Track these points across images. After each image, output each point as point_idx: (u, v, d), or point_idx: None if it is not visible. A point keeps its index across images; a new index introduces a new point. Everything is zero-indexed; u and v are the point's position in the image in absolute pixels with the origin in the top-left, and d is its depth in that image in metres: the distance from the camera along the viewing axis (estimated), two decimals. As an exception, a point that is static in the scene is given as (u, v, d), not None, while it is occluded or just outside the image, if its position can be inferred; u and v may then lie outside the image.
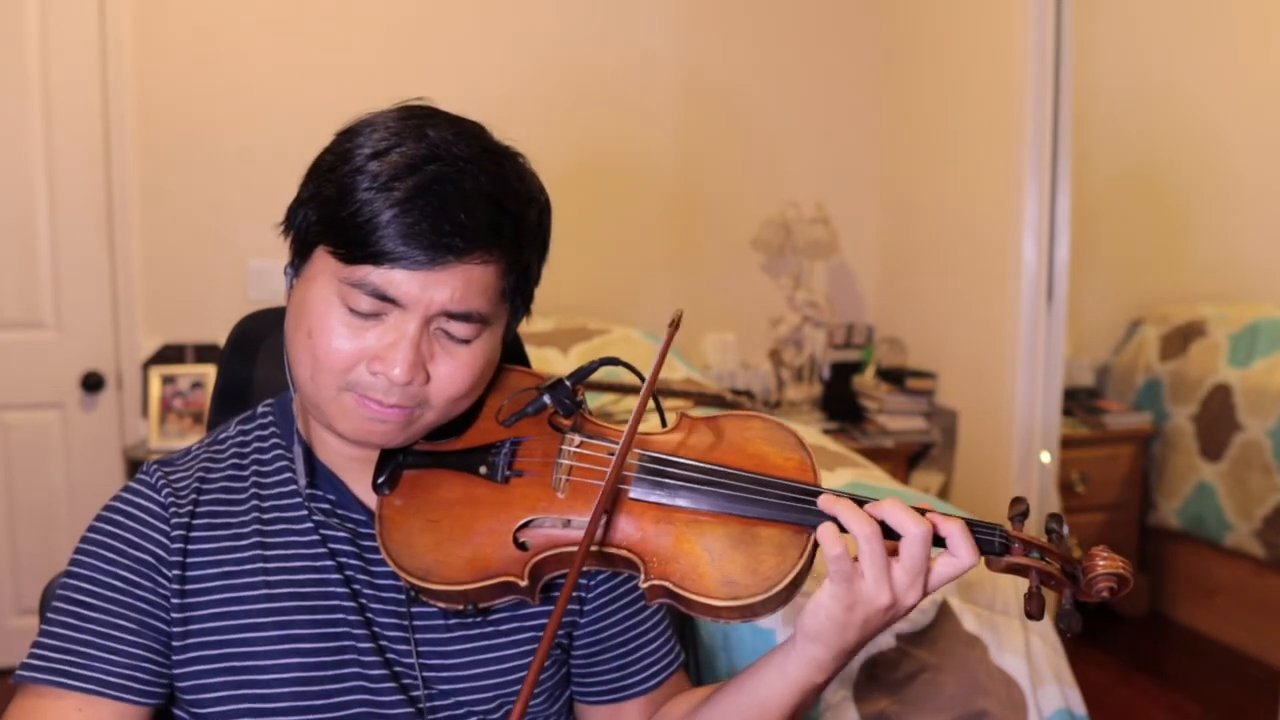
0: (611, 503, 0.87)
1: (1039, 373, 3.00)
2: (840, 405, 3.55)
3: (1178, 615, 3.55)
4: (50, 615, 0.88)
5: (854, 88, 3.71)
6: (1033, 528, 0.89)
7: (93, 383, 3.02)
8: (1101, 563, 0.85)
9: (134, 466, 2.87)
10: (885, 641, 1.68)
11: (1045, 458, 3.03)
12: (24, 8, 2.88)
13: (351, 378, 0.85)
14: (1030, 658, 1.74)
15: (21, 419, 2.99)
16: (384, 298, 0.82)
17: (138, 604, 0.88)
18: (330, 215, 0.83)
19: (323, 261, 0.85)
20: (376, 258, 0.81)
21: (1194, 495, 3.45)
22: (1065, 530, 0.89)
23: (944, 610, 1.73)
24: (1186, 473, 3.49)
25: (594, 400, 2.60)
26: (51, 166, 2.95)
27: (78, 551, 0.90)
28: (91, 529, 0.91)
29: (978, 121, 3.19)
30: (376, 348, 0.83)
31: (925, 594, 0.84)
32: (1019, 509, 0.89)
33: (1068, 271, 2.99)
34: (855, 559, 0.82)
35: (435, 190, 0.81)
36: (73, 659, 0.85)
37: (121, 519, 0.91)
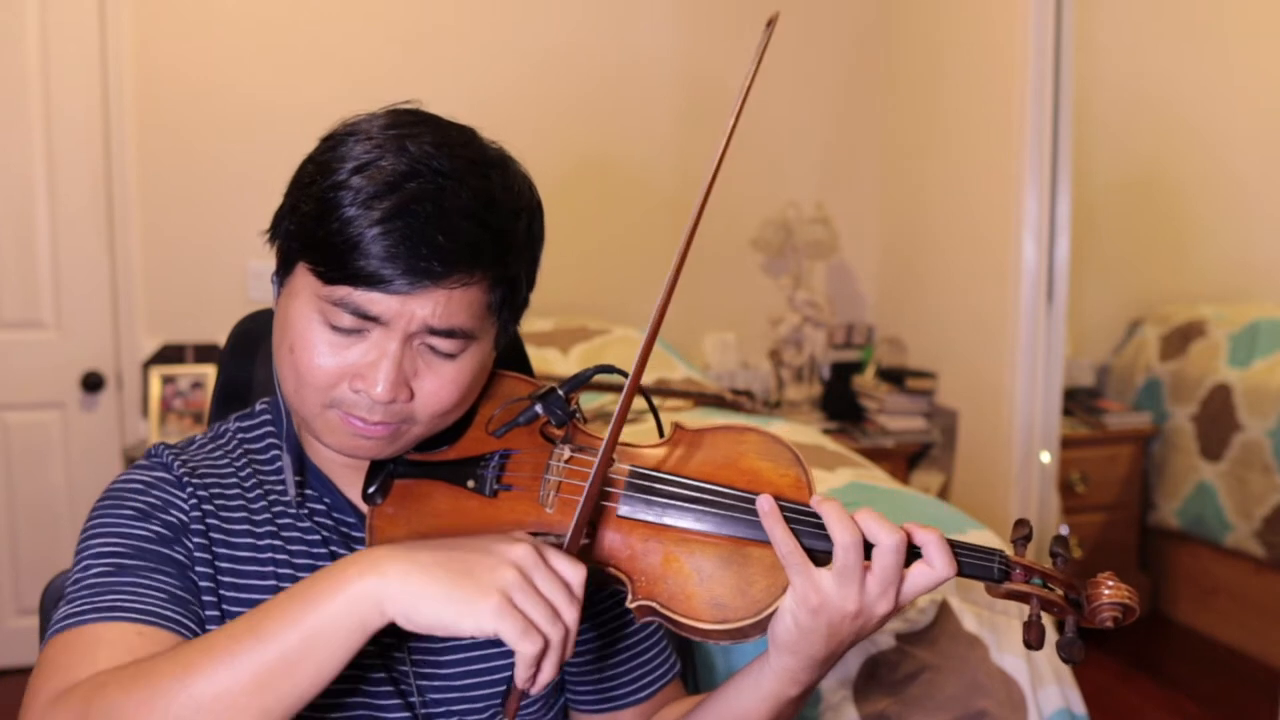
0: (599, 519, 0.85)
1: (1039, 373, 3.00)
2: (840, 405, 3.55)
3: (1178, 615, 3.55)
4: (78, 575, 0.83)
5: (854, 88, 3.71)
6: (1036, 550, 0.87)
7: (93, 383, 3.02)
8: (1107, 591, 0.82)
9: (134, 466, 2.87)
10: (885, 641, 1.68)
11: (1045, 458, 3.03)
12: (24, 8, 2.89)
13: (335, 395, 0.84)
14: (1030, 658, 1.74)
15: (21, 419, 2.99)
16: (365, 316, 0.81)
17: (175, 555, 0.85)
18: (310, 233, 0.81)
19: (303, 278, 0.83)
20: (354, 279, 0.79)
21: (1194, 495, 3.45)
22: (1069, 550, 0.87)
23: (944, 610, 1.73)
24: (1186, 473, 3.49)
25: (593, 401, 2.60)
26: (52, 167, 2.95)
27: (96, 517, 0.87)
28: (109, 496, 0.88)
29: (978, 122, 3.19)
30: (359, 365, 0.82)
31: (898, 605, 0.82)
32: (1022, 532, 0.86)
33: (1068, 271, 3.00)
34: (817, 564, 0.81)
35: (414, 210, 0.79)
36: (121, 596, 0.80)
37: (141, 485, 0.88)
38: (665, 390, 2.82)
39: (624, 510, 0.85)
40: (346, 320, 0.81)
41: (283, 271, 0.87)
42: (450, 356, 0.85)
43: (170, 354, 3.05)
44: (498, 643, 0.93)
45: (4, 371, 2.97)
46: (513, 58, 3.33)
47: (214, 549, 0.88)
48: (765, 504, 0.81)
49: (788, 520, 0.82)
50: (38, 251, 2.97)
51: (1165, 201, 3.88)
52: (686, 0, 3.50)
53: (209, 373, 2.99)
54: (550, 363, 2.89)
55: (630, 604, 0.83)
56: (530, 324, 2.96)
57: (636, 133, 3.48)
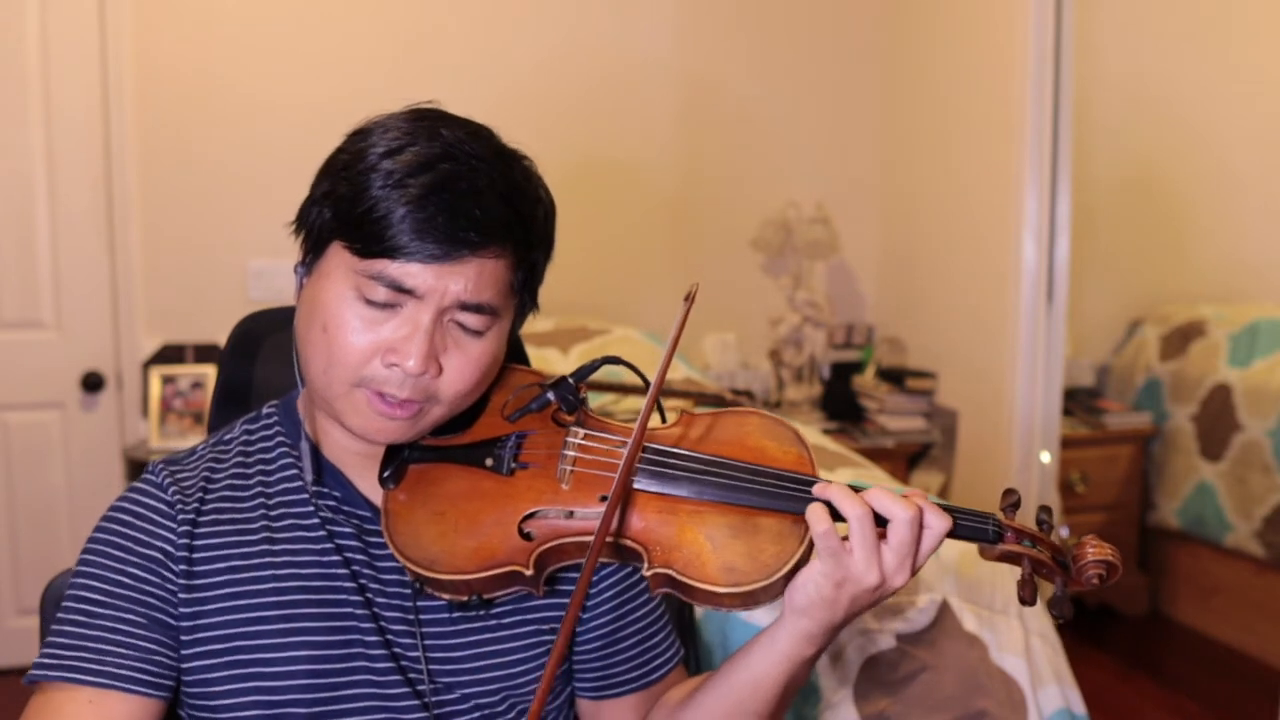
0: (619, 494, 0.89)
1: (1039, 373, 3.00)
2: (840, 405, 3.55)
3: (1178, 615, 3.55)
4: (60, 615, 0.89)
5: (854, 88, 3.71)
6: (1023, 519, 0.91)
7: (93, 383, 3.02)
8: (1091, 550, 0.87)
9: (134, 466, 2.88)
10: (885, 641, 1.68)
11: (1045, 458, 3.03)
12: (24, 8, 2.88)
13: (365, 372, 0.86)
14: (1030, 658, 1.74)
15: (21, 419, 2.99)
16: (400, 288, 0.84)
17: (146, 599, 0.89)
18: (346, 212, 0.85)
19: (338, 257, 0.86)
20: (393, 251, 0.83)
21: (1194, 495, 3.45)
22: (1055, 522, 0.92)
23: (944, 610, 1.73)
24: (1186, 473, 3.49)
25: (595, 400, 2.60)
26: (52, 167, 2.95)
27: (85, 551, 0.91)
28: (99, 528, 0.92)
29: (977, 121, 3.19)
30: (391, 340, 0.85)
31: (913, 573, 0.86)
32: (1010, 500, 0.91)
33: (1068, 271, 2.99)
34: (844, 539, 0.84)
35: (450, 186, 0.83)
36: (83, 654, 0.86)
37: (129, 517, 0.92)
38: (666, 390, 2.83)
39: (640, 484, 0.89)
40: (381, 294, 0.84)
41: (311, 257, 0.89)
42: (478, 335, 0.88)
43: (170, 354, 3.05)
44: (509, 624, 0.96)
45: (4, 371, 2.97)
46: (513, 58, 3.33)
47: (199, 567, 0.90)
48: (820, 488, 0.86)
49: (795, 490, 0.87)
50: (38, 251, 2.97)
51: (1165, 201, 3.88)
52: (686, 1, 3.50)
53: (209, 373, 2.99)
54: (550, 362, 2.89)
55: (646, 572, 0.86)
56: (530, 324, 2.95)
57: (636, 133, 3.48)
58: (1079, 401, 3.59)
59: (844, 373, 3.60)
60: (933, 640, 1.70)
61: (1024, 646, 1.74)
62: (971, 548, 1.86)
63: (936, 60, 3.43)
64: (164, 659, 0.88)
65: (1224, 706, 2.96)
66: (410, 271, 0.83)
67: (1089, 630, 3.43)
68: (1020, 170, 2.97)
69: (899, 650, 1.68)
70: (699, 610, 1.65)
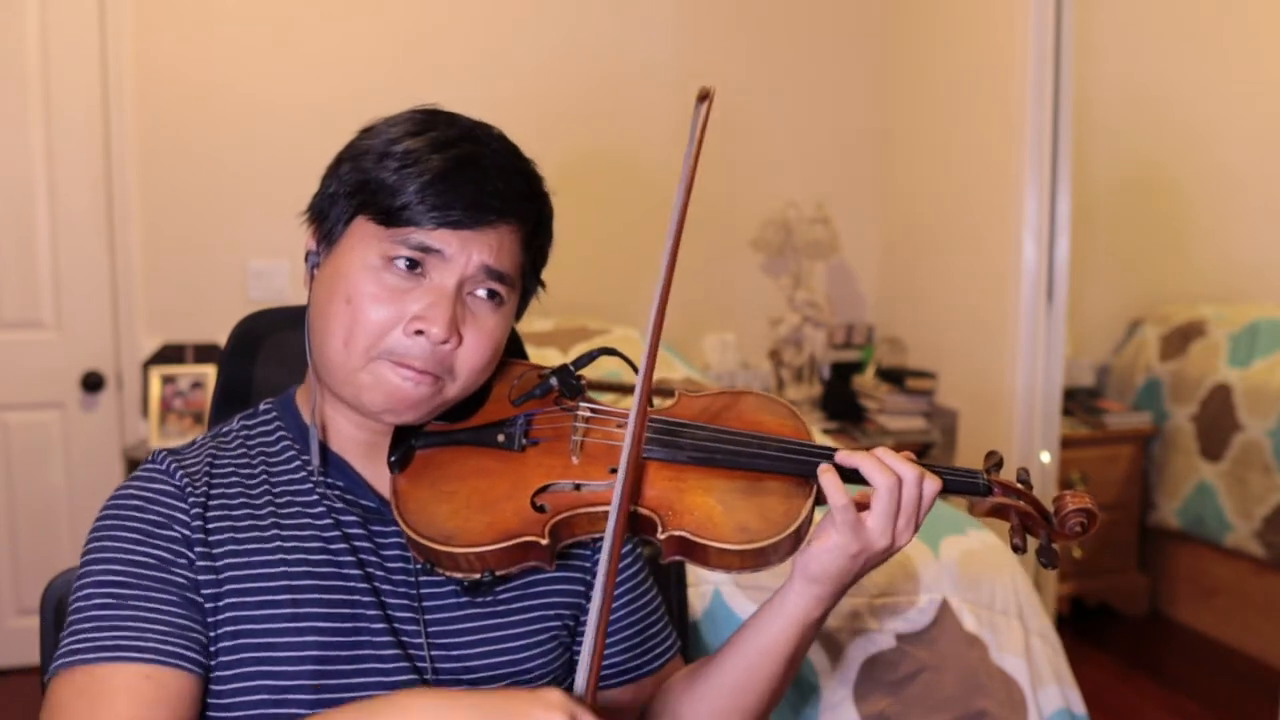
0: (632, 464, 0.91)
1: (1039, 373, 3.00)
2: (840, 405, 3.55)
3: (1178, 615, 3.55)
4: (79, 604, 0.85)
5: (854, 88, 3.71)
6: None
7: (93, 383, 3.02)
8: (1070, 501, 0.93)
9: (134, 466, 2.87)
10: (885, 641, 1.68)
11: (1045, 458, 3.03)
12: (24, 8, 2.89)
13: (387, 343, 0.88)
14: (1030, 658, 1.74)
15: (21, 419, 2.99)
16: (427, 249, 0.87)
17: (175, 579, 0.86)
18: (372, 187, 0.88)
19: (362, 229, 0.89)
20: (420, 218, 0.86)
21: (1194, 495, 3.45)
22: (1030, 476, 0.97)
23: (944, 610, 1.73)
24: (1186, 473, 3.49)
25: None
26: (52, 167, 2.95)
27: (97, 538, 0.88)
28: (109, 515, 0.90)
29: (977, 122, 3.19)
30: (415, 309, 0.87)
31: (916, 530, 0.90)
32: (993, 460, 0.96)
33: (1068, 271, 3.00)
34: (859, 509, 0.88)
35: (473, 161, 0.88)
36: (123, 634, 0.82)
37: (141, 501, 0.90)
38: (664, 390, 2.82)
39: (649, 454, 0.92)
40: (407, 253, 0.87)
41: (329, 240, 0.92)
42: (495, 307, 0.92)
43: (170, 354, 3.05)
44: (516, 609, 0.97)
45: (4, 371, 2.97)
46: (513, 58, 3.33)
47: (214, 550, 0.89)
48: (826, 471, 0.90)
49: (798, 454, 0.92)
50: (38, 251, 2.97)
51: (1165, 201, 3.88)
52: (686, 1, 3.50)
53: (209, 373, 2.99)
54: (550, 362, 2.89)
55: (660, 536, 0.88)
56: (530, 324, 2.96)
57: (637, 133, 3.48)
58: (1079, 401, 3.59)
59: (844, 373, 3.60)
60: (933, 640, 1.70)
61: (1024, 646, 1.74)
62: (974, 549, 1.86)
63: (936, 60, 3.43)
64: (201, 636, 0.86)
65: (1224, 706, 2.96)
66: (437, 235, 0.87)
67: (1089, 630, 3.43)
68: (1020, 170, 2.98)
69: (899, 650, 1.68)
70: (697, 609, 1.65)
